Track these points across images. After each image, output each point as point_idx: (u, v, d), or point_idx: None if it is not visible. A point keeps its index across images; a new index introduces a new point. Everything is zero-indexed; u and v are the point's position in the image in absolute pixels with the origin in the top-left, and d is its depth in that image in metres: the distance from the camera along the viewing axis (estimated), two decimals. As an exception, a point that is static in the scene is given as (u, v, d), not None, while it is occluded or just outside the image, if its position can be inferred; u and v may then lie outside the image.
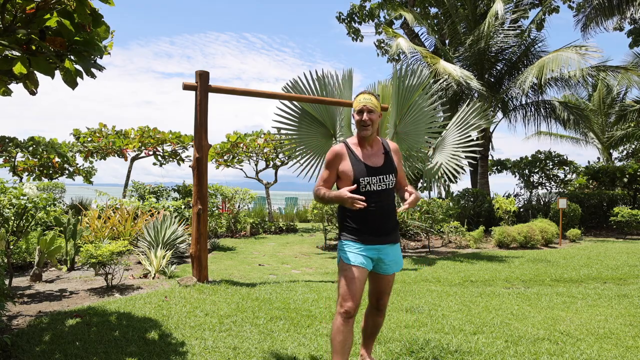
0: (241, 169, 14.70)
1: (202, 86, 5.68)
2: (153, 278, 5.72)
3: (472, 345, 3.35)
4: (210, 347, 3.22)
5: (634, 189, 14.46)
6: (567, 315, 4.28)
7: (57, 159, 11.64)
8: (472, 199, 13.01)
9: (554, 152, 15.20)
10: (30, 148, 10.74)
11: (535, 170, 15.10)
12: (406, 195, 2.60)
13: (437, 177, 8.30)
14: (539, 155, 15.17)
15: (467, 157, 8.36)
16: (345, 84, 7.86)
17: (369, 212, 2.56)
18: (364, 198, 2.44)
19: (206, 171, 5.76)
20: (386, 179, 2.60)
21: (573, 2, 17.10)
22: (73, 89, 2.74)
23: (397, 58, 16.78)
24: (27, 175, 12.09)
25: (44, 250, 5.54)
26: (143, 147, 13.40)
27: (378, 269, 2.68)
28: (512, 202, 11.52)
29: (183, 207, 9.57)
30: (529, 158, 15.25)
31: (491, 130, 14.62)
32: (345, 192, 2.45)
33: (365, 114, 2.59)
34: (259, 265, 7.28)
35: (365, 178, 2.57)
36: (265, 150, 13.86)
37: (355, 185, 2.55)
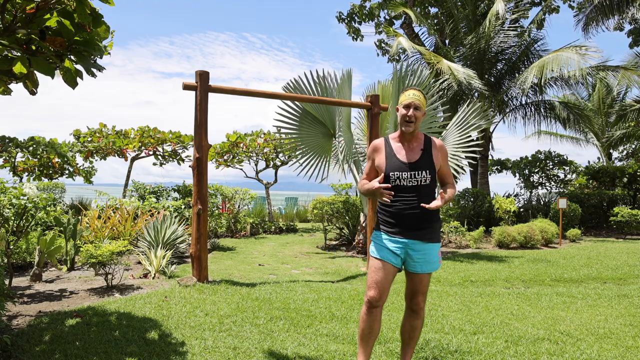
0: (241, 169, 14.70)
1: (202, 86, 5.68)
2: (153, 278, 5.72)
3: (472, 345, 3.35)
4: (210, 347, 3.22)
5: (634, 189, 14.46)
6: (567, 315, 4.28)
7: (57, 159, 11.63)
8: (472, 199, 13.00)
9: (554, 152, 15.20)
10: (30, 148, 10.74)
11: (535, 170, 15.09)
12: (438, 198, 2.57)
13: (437, 177, 8.29)
14: (539, 155, 15.17)
15: (467, 157, 8.35)
16: (344, 83, 7.85)
17: (399, 206, 2.57)
18: (391, 192, 2.48)
19: (206, 171, 5.76)
20: (419, 174, 2.57)
21: (573, 2, 17.09)
22: (73, 88, 2.74)
23: (397, 58, 16.77)
24: (27, 175, 12.07)
25: (44, 250, 5.53)
26: (143, 147, 13.39)
27: (408, 266, 2.66)
28: (512, 202, 11.52)
29: (183, 207, 9.56)
30: (529, 158, 15.24)
31: (491, 130, 14.62)
32: (375, 183, 2.54)
33: (412, 109, 2.60)
34: (259, 265, 7.28)
35: (396, 172, 2.58)
36: (265, 150, 13.85)
37: (381, 177, 2.59)
